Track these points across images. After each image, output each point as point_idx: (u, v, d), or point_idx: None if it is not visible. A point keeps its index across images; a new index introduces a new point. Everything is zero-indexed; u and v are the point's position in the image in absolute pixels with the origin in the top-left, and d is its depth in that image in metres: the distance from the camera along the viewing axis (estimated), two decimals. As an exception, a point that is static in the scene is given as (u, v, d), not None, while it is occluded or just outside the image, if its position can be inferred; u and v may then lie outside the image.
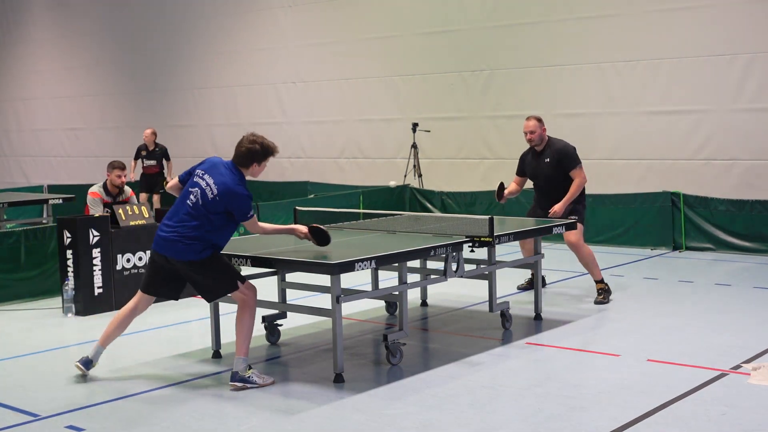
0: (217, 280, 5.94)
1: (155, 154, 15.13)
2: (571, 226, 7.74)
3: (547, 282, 9.04)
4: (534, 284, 7.66)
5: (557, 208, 8.14)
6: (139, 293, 6.21)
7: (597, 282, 8.28)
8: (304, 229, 6.26)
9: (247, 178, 6.02)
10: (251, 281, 6.57)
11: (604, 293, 8.21)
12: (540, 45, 13.38)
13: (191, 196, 5.88)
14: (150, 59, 19.19)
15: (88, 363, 6.16)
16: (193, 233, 5.83)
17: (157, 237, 5.99)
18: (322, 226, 6.33)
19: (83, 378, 6.14)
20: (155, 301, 6.30)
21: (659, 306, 8.21)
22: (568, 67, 13.12)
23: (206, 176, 5.88)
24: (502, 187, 8.55)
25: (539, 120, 8.37)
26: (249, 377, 5.82)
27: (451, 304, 8.31)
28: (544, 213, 8.33)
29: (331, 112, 16.13)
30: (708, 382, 5.69)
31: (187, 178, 6.05)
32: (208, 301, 6.22)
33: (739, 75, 11.63)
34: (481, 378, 5.97)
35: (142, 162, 15.12)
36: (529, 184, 8.76)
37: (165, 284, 6.16)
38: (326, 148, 16.30)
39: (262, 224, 6.12)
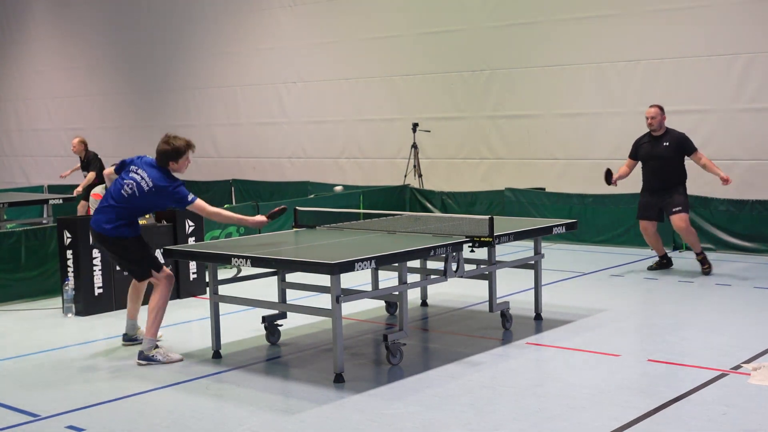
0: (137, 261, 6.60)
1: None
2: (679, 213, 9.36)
3: (672, 264, 9.94)
4: (535, 283, 7.65)
5: (727, 177, 9.40)
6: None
7: (698, 254, 9.55)
8: (262, 218, 6.67)
9: (176, 174, 6.55)
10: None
11: (707, 263, 9.49)
12: (540, 45, 13.38)
13: (126, 188, 6.42)
14: (150, 59, 19.19)
15: (125, 336, 7.02)
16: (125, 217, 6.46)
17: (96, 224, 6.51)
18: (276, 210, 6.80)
19: (131, 344, 6.93)
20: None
21: (659, 306, 8.22)
22: (568, 67, 13.12)
23: (140, 171, 6.44)
24: (609, 172, 9.65)
25: (660, 108, 9.56)
26: (153, 356, 6.40)
27: (451, 304, 8.31)
28: (654, 197, 9.54)
29: (331, 112, 16.13)
30: (708, 382, 5.68)
31: (120, 169, 6.61)
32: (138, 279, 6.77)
33: (739, 75, 11.63)
34: (481, 378, 5.97)
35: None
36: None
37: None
38: (326, 148, 16.30)
39: (213, 208, 6.58)
